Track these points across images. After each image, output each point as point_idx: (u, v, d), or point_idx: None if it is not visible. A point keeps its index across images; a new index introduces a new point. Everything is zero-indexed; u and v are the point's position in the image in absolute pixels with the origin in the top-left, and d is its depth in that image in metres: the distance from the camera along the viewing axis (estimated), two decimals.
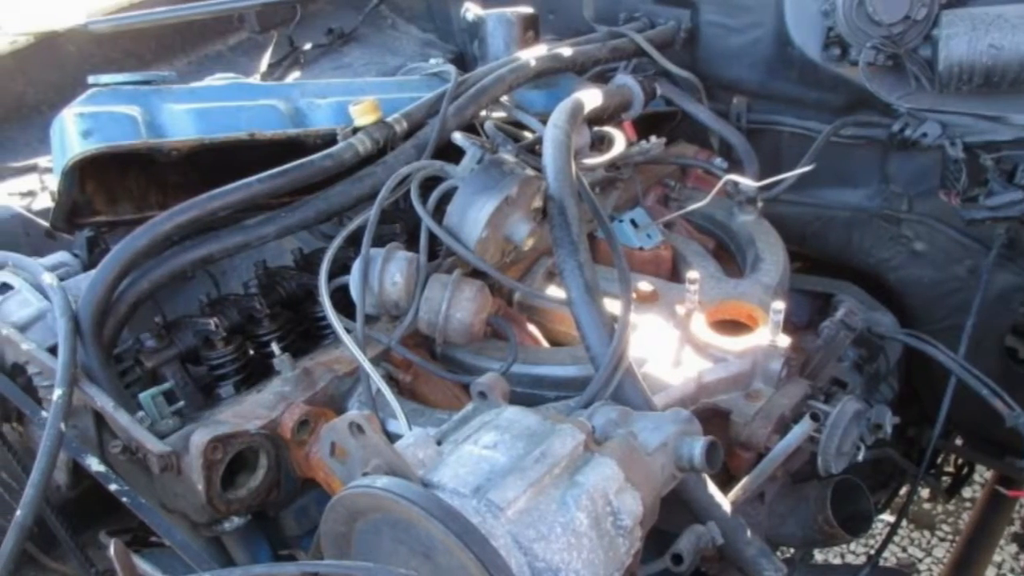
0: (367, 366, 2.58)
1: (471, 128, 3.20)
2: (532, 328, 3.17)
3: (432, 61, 3.82)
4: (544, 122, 3.01)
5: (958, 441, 4.64)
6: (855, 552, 6.22)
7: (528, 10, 3.91)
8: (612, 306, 2.59)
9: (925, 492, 6.43)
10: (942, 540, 6.52)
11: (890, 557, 6.34)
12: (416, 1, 5.20)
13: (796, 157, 3.79)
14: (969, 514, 6.13)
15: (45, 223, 3.26)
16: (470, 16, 3.98)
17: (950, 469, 5.02)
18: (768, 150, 4.06)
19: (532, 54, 3.54)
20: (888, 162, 3.87)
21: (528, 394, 2.83)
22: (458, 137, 2.95)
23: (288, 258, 3.19)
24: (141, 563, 2.51)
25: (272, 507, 2.64)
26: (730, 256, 3.65)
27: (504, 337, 2.91)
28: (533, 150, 3.10)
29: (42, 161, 3.79)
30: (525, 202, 2.81)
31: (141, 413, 2.47)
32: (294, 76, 4.70)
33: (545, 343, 3.17)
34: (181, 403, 2.63)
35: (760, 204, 3.64)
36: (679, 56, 4.11)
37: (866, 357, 3.44)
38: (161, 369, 2.79)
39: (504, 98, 3.40)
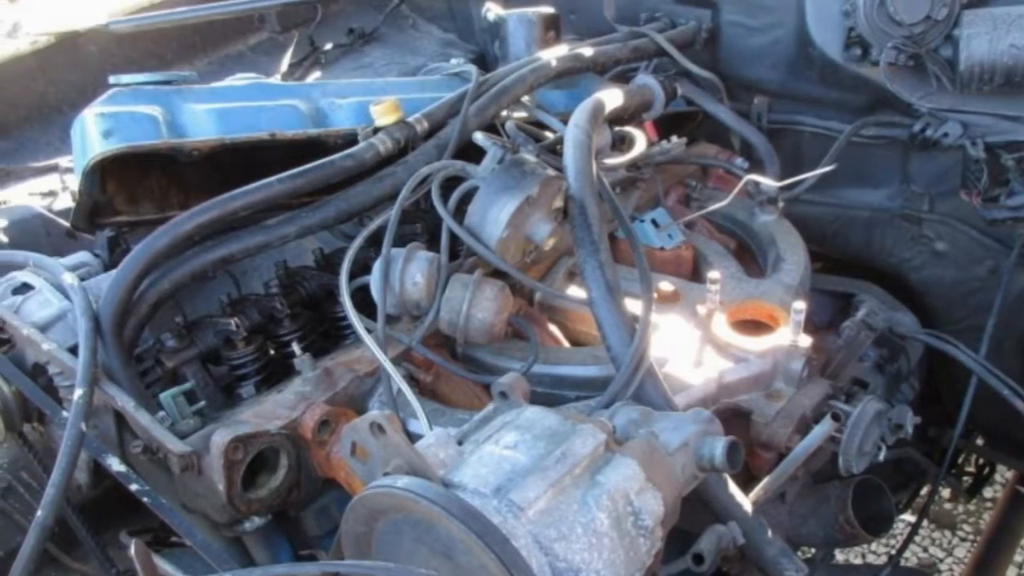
0: (388, 366, 2.58)
1: (492, 128, 3.20)
2: (553, 328, 3.17)
3: (453, 61, 3.82)
4: (565, 122, 3.01)
5: (979, 441, 4.63)
6: (876, 552, 6.22)
7: (549, 10, 3.91)
8: (633, 306, 2.59)
9: (946, 492, 6.40)
10: (963, 540, 6.52)
11: (911, 557, 6.33)
12: (437, 1, 5.21)
13: (817, 157, 3.79)
14: (990, 514, 6.11)
15: (66, 223, 3.28)
16: (491, 16, 3.98)
17: (971, 469, 5.00)
18: (789, 150, 4.06)
19: (553, 54, 3.54)
20: (909, 162, 3.87)
21: (549, 394, 2.83)
22: (479, 137, 2.95)
23: (309, 258, 3.19)
24: (161, 563, 2.52)
25: (293, 507, 2.64)
26: (751, 256, 3.64)
27: (525, 337, 2.91)
28: (554, 150, 3.10)
29: (63, 161, 3.80)
30: (546, 202, 2.81)
31: (162, 413, 2.47)
32: (315, 76, 4.72)
33: (566, 343, 3.17)
34: (202, 403, 2.63)
35: (781, 204, 3.63)
36: (700, 56, 4.11)
37: (887, 357, 3.44)
38: (182, 369, 2.80)
39: (525, 98, 3.40)
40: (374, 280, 2.75)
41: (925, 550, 6.45)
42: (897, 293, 3.87)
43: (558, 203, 2.86)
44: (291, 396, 2.67)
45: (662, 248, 3.47)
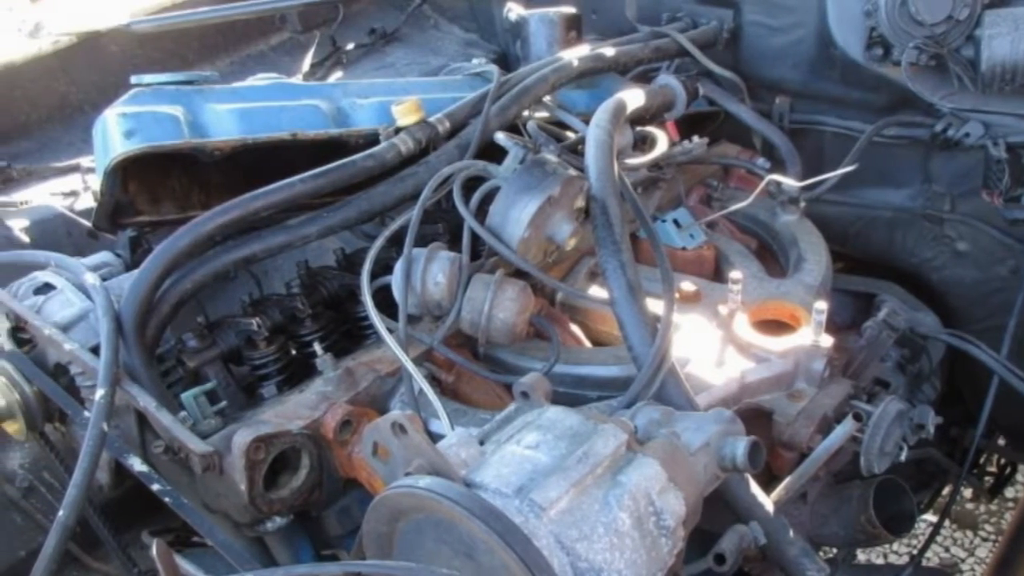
0: (409, 366, 2.58)
1: (514, 128, 3.19)
2: (575, 328, 3.17)
3: (474, 61, 3.81)
4: (586, 122, 3.00)
5: (1001, 441, 4.61)
6: (898, 552, 6.20)
7: (571, 10, 3.90)
8: (655, 306, 2.58)
9: (968, 492, 6.39)
10: (985, 540, 6.49)
11: (933, 557, 6.31)
12: (458, 1, 5.21)
13: (839, 157, 3.78)
14: (1012, 514, 6.09)
15: (88, 223, 3.28)
16: (512, 16, 3.97)
17: (993, 469, 4.99)
18: (811, 150, 4.05)
19: (575, 54, 3.53)
20: (930, 162, 3.86)
21: (570, 394, 2.82)
22: (501, 137, 2.95)
23: (330, 258, 3.19)
24: (183, 563, 2.52)
25: (314, 507, 2.64)
26: (772, 256, 3.64)
27: (546, 337, 2.91)
28: (576, 150, 3.10)
29: (85, 161, 3.81)
30: (568, 202, 2.81)
31: (183, 413, 2.47)
32: (336, 76, 4.72)
33: (588, 343, 3.17)
34: (223, 403, 2.64)
35: (803, 204, 3.62)
36: (721, 56, 4.10)
37: (909, 357, 3.43)
38: (203, 369, 2.80)
39: (547, 98, 3.39)
40: (395, 280, 2.76)
41: (947, 550, 6.42)
42: (918, 293, 3.86)
43: (580, 203, 2.86)
44: (313, 396, 2.67)
45: (684, 248, 3.46)
